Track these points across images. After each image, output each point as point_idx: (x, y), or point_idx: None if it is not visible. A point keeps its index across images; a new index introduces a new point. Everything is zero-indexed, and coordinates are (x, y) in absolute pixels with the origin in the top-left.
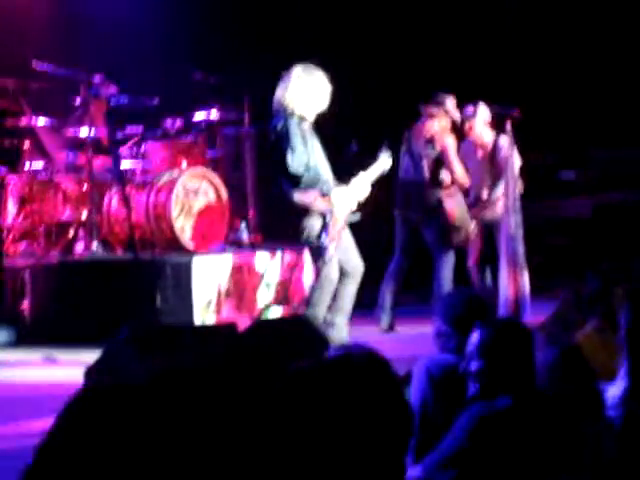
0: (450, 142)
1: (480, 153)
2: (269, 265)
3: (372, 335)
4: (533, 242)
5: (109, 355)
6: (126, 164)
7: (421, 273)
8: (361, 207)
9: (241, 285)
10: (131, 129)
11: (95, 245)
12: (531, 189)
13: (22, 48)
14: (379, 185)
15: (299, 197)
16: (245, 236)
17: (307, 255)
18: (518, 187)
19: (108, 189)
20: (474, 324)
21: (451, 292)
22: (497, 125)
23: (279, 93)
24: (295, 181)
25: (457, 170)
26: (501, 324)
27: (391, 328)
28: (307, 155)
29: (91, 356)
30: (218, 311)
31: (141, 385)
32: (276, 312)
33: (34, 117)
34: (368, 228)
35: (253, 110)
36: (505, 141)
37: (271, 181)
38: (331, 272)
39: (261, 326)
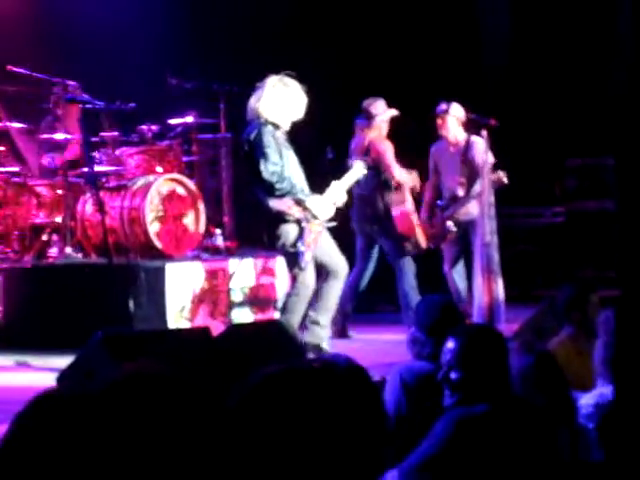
0: (385, 147)
1: (453, 151)
2: (243, 271)
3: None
4: (508, 249)
5: (82, 360)
6: (101, 169)
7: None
8: (336, 215)
9: (215, 291)
10: (106, 134)
11: (69, 250)
12: (507, 196)
13: None
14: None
15: (274, 204)
16: (220, 241)
17: (281, 261)
18: (499, 177)
19: (82, 193)
20: (448, 331)
21: (425, 299)
22: (473, 133)
23: (253, 102)
24: (270, 189)
25: (397, 173)
26: (475, 331)
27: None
28: (281, 164)
29: (64, 361)
30: (192, 317)
31: (98, 392)
32: (250, 318)
33: (9, 121)
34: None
35: (229, 116)
36: (478, 140)
37: (246, 188)
38: (307, 279)
39: (235, 331)
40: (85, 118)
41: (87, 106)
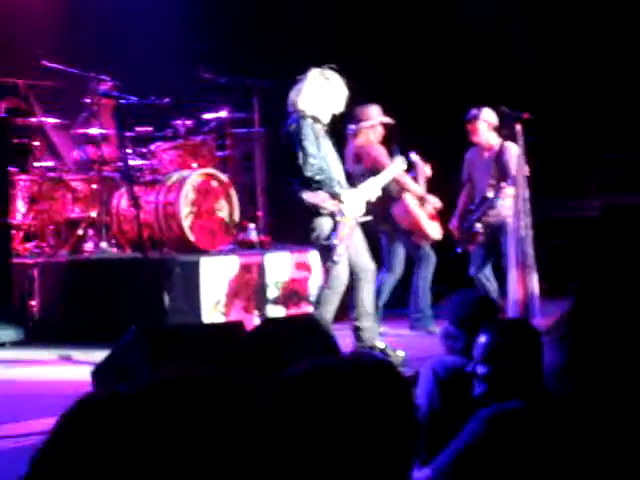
0: (377, 151)
1: (486, 156)
2: (277, 265)
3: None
4: (542, 243)
5: (117, 355)
6: (135, 163)
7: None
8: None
9: (249, 285)
10: (141, 129)
11: (104, 244)
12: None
13: (32, 47)
14: None
15: (309, 197)
16: (254, 236)
17: (315, 256)
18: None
19: (117, 188)
20: (481, 326)
21: (458, 294)
22: (507, 127)
23: (293, 95)
24: (307, 182)
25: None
26: (508, 325)
27: None
28: (320, 156)
29: (99, 355)
30: (226, 311)
31: (137, 394)
32: (284, 312)
33: (44, 116)
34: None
35: (262, 111)
36: (511, 145)
37: (281, 181)
38: (340, 272)
39: (269, 325)
40: (119, 113)
41: (121, 101)
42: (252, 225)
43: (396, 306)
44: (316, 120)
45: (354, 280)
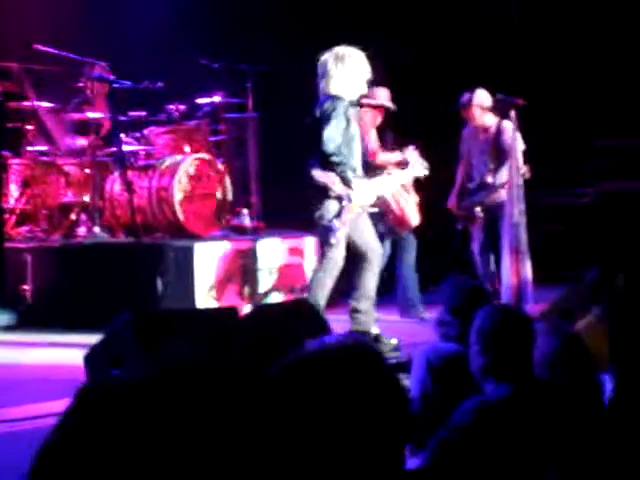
0: (367, 133)
1: (482, 137)
2: (271, 251)
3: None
4: (536, 229)
5: (109, 340)
6: (129, 148)
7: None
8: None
9: (243, 271)
10: (134, 113)
11: (97, 229)
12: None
13: (25, 31)
14: None
15: (320, 176)
16: (247, 221)
17: (309, 242)
18: (523, 172)
19: (110, 173)
20: (475, 313)
21: (451, 281)
22: (501, 113)
23: (322, 86)
24: (324, 159)
25: (380, 158)
26: (501, 310)
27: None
28: (345, 138)
29: (92, 339)
30: (220, 297)
31: (139, 383)
32: (278, 298)
33: (37, 100)
34: None
35: (256, 96)
36: (509, 125)
37: (305, 162)
38: (336, 255)
39: (262, 311)
40: (113, 97)
41: (115, 86)
42: (245, 211)
43: (381, 293)
44: (352, 104)
45: (358, 262)
